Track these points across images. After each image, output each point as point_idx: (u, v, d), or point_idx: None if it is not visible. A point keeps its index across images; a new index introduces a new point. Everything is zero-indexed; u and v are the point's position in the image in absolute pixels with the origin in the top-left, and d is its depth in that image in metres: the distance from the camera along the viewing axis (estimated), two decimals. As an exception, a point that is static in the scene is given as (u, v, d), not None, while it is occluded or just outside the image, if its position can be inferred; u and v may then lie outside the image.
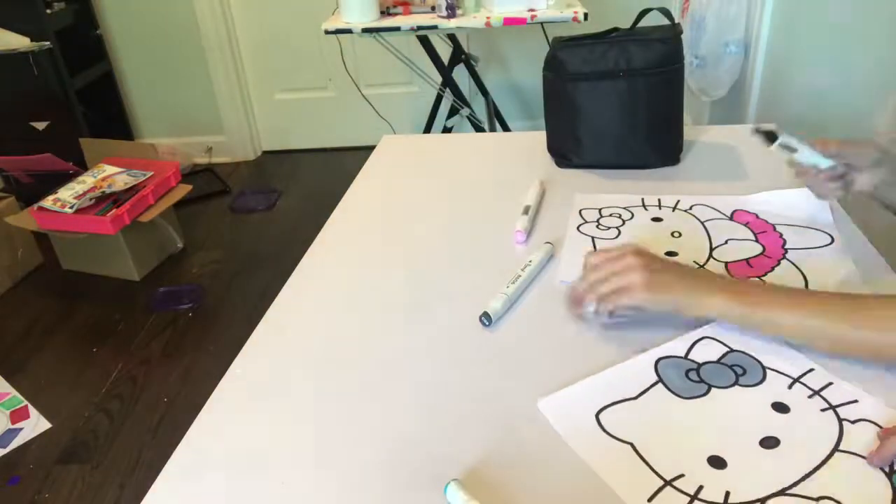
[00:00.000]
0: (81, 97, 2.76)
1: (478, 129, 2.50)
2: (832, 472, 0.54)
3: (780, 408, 0.61)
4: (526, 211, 0.96)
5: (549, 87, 1.10)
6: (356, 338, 0.76)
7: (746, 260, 0.81)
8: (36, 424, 1.75)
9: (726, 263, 0.82)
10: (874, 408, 0.60)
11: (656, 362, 0.67)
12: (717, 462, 0.56)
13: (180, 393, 1.83)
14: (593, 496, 0.55)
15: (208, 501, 0.58)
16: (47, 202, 2.20)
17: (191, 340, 2.03)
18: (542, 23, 2.12)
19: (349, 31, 2.10)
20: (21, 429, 1.74)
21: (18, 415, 1.78)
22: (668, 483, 0.54)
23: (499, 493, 0.56)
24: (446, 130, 2.71)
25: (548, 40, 1.23)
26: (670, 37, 1.03)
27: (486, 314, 0.76)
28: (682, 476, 0.55)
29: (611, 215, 0.96)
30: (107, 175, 2.31)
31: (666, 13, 1.08)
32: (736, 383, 0.64)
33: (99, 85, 2.95)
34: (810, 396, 0.62)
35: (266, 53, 3.08)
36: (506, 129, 2.81)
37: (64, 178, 2.32)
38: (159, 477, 0.60)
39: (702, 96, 2.31)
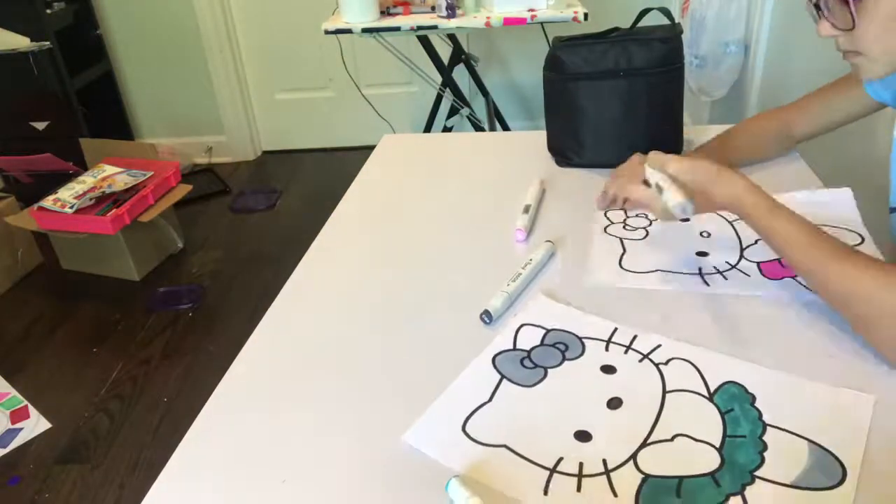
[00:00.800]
0: (81, 97, 2.75)
1: (478, 128, 2.50)
2: (672, 412, 0.61)
3: (609, 370, 0.67)
4: (526, 210, 0.96)
5: (550, 86, 1.10)
6: (356, 337, 0.76)
7: (778, 260, 0.81)
8: (36, 424, 1.75)
9: (758, 263, 0.82)
10: (675, 346, 0.69)
11: (493, 360, 0.70)
12: (582, 436, 0.60)
13: (180, 393, 1.83)
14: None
15: (209, 501, 0.58)
16: (47, 202, 2.19)
17: (191, 340, 2.03)
18: (542, 23, 2.12)
19: (349, 31, 2.10)
20: (21, 429, 1.74)
21: (18, 415, 1.78)
22: (553, 470, 0.57)
23: (499, 491, 0.56)
24: (446, 130, 2.71)
25: (548, 40, 1.23)
26: (670, 36, 1.03)
27: (486, 312, 0.76)
28: (561, 459, 0.58)
29: (637, 216, 0.96)
30: (107, 175, 2.31)
31: (666, 13, 1.08)
32: (564, 359, 0.69)
33: (99, 85, 2.95)
34: (626, 352, 0.69)
35: (266, 53, 3.08)
36: (506, 128, 2.81)
37: (64, 178, 2.32)
38: (160, 477, 0.60)
39: (702, 96, 2.31)
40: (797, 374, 0.65)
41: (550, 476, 0.57)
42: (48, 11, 2.63)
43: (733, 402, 0.62)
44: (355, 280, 0.87)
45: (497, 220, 0.97)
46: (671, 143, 1.10)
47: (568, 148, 1.11)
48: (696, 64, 2.20)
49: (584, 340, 0.71)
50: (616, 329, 0.72)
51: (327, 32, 2.11)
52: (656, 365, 0.67)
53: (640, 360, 0.68)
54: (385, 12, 2.16)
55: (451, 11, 2.06)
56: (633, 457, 0.57)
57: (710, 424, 0.60)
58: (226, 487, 0.59)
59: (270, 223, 2.70)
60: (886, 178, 0.86)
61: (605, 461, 0.57)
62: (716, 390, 0.63)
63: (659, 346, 0.69)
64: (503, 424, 0.62)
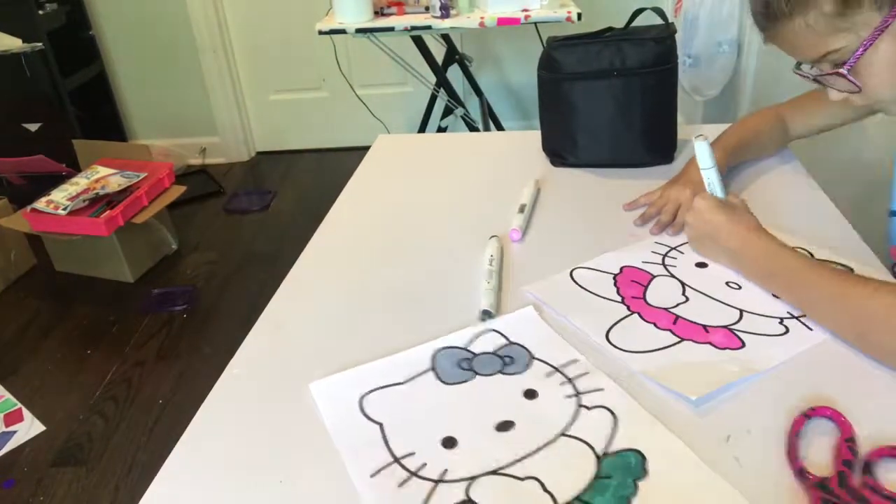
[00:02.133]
0: (74, 98, 2.74)
1: (472, 128, 2.50)
2: (549, 455, 0.58)
3: (530, 394, 0.65)
4: (521, 209, 0.96)
5: (544, 86, 1.10)
6: (352, 338, 0.76)
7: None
8: (30, 427, 1.74)
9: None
10: (615, 395, 0.64)
11: (435, 352, 0.71)
12: (449, 442, 0.60)
13: (175, 394, 1.82)
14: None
15: (205, 503, 0.58)
16: (40, 204, 2.18)
17: (185, 342, 2.02)
18: (535, 23, 2.12)
19: (343, 32, 2.10)
20: (15, 432, 1.73)
21: (12, 418, 1.78)
22: (396, 460, 0.59)
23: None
24: (441, 130, 2.71)
25: (542, 40, 1.23)
26: (664, 36, 1.04)
27: (486, 312, 0.76)
28: (411, 454, 0.59)
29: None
30: (100, 176, 2.30)
31: (659, 13, 1.08)
32: (500, 371, 0.68)
33: (92, 86, 2.94)
34: (562, 384, 0.66)
35: (260, 54, 3.08)
36: (500, 128, 2.81)
37: (57, 180, 2.31)
38: (155, 479, 0.60)
39: (695, 95, 2.32)
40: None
41: (389, 464, 0.58)
42: (40, 12, 2.62)
43: (618, 471, 0.56)
44: (350, 280, 0.87)
45: (491, 221, 0.97)
46: (665, 142, 1.11)
47: (562, 148, 1.11)
48: (690, 63, 2.21)
49: (534, 360, 0.69)
50: (575, 361, 0.68)
51: (321, 33, 2.10)
52: (580, 406, 0.63)
53: (568, 397, 0.64)
54: (379, 13, 2.16)
55: (445, 12, 2.06)
56: (473, 478, 0.56)
57: (574, 480, 0.55)
58: (222, 488, 0.59)
59: (264, 224, 2.70)
60: (876, 175, 0.87)
61: (445, 470, 0.57)
62: (614, 452, 0.58)
63: (600, 389, 0.65)
64: (394, 406, 0.64)
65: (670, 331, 0.71)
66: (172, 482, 0.60)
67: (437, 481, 0.57)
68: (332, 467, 0.60)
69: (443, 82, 2.48)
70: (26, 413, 1.79)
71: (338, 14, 2.12)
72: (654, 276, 0.81)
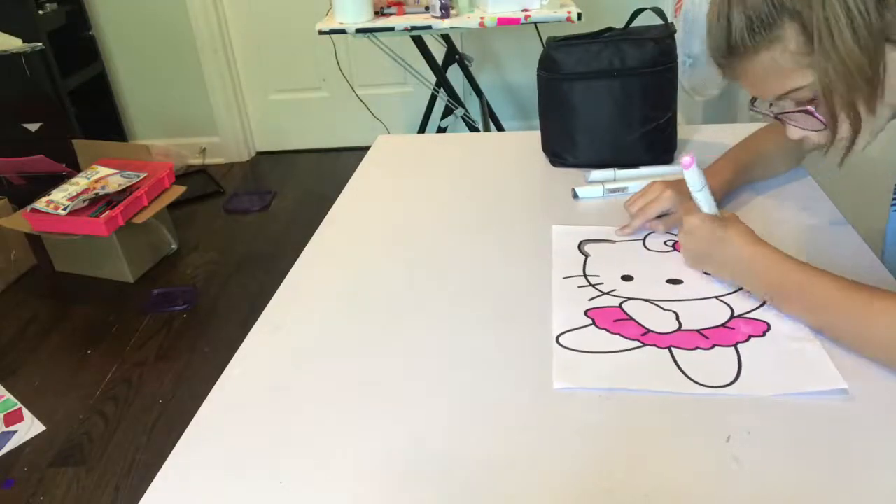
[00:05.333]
0: (74, 98, 2.74)
1: (472, 129, 2.50)
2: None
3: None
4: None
5: (544, 86, 1.10)
6: (352, 338, 0.76)
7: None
8: (30, 427, 1.74)
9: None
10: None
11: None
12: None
13: (175, 394, 1.82)
14: (596, 493, 0.55)
15: (205, 503, 0.58)
16: (40, 204, 2.18)
17: (185, 342, 2.02)
18: (535, 23, 2.12)
19: (343, 32, 2.10)
20: (15, 432, 1.73)
21: (12, 418, 1.78)
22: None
23: (501, 491, 0.56)
24: (441, 130, 2.71)
25: (542, 40, 1.24)
26: (664, 36, 1.04)
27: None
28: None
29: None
30: (100, 176, 2.30)
31: (659, 13, 1.08)
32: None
33: (92, 86, 2.94)
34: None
35: (260, 54, 3.08)
36: (500, 129, 2.81)
37: (57, 180, 2.31)
38: (155, 479, 0.60)
39: (695, 96, 2.32)
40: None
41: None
42: (40, 12, 2.62)
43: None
44: (351, 281, 0.87)
45: (492, 220, 0.97)
46: (665, 142, 1.11)
47: (562, 148, 1.11)
48: (689, 63, 2.21)
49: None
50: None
51: (321, 33, 2.10)
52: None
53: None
54: (379, 13, 2.16)
55: (445, 12, 2.06)
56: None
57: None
58: (222, 489, 0.59)
59: (265, 224, 2.70)
60: (876, 175, 0.87)
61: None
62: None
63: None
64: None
65: (717, 345, 0.70)
66: (172, 482, 0.60)
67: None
68: (333, 468, 0.60)
69: (443, 82, 2.48)
70: (26, 413, 1.79)
71: (338, 14, 2.12)
72: (620, 306, 0.77)
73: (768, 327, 0.71)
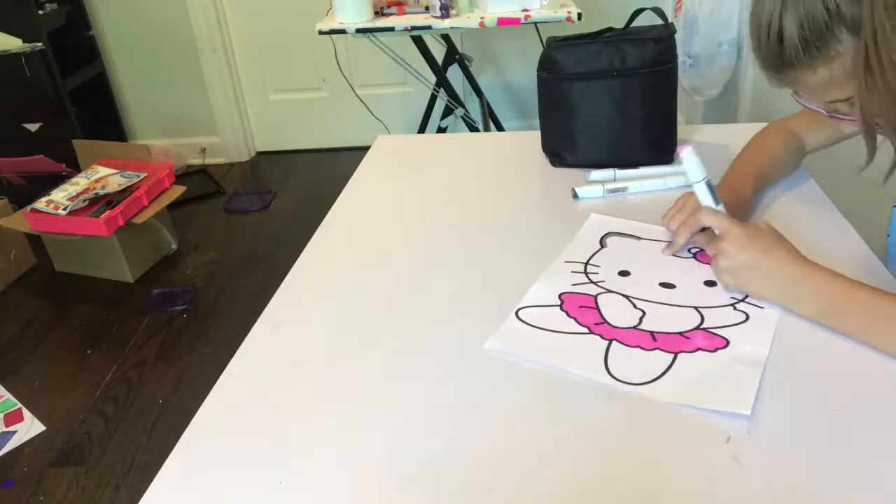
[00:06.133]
0: (74, 98, 2.74)
1: (472, 129, 2.50)
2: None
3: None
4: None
5: (544, 86, 1.10)
6: (352, 338, 0.76)
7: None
8: (30, 427, 1.74)
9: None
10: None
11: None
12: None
13: (175, 394, 1.82)
14: (596, 493, 0.55)
15: (205, 503, 0.58)
16: (40, 204, 2.19)
17: (185, 342, 2.02)
18: (535, 23, 2.12)
19: (343, 32, 2.10)
20: (15, 432, 1.73)
21: (12, 418, 1.78)
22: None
23: (501, 491, 0.56)
24: (441, 130, 2.71)
25: (541, 40, 1.23)
26: (664, 36, 1.04)
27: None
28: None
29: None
30: (100, 176, 2.30)
31: (659, 13, 1.08)
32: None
33: (92, 86, 2.94)
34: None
35: (259, 54, 3.08)
36: (500, 129, 2.81)
37: (57, 180, 2.31)
38: (155, 479, 0.60)
39: (695, 96, 2.32)
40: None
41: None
42: (40, 12, 2.62)
43: None
44: (350, 281, 0.87)
45: (492, 221, 0.97)
46: (665, 142, 1.11)
47: (562, 148, 1.11)
48: (690, 63, 2.21)
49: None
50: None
51: (321, 33, 2.10)
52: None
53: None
54: (379, 13, 2.16)
55: (445, 12, 2.06)
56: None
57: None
58: (222, 489, 0.59)
59: (265, 224, 2.70)
60: (873, 168, 0.86)
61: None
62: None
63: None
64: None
65: (659, 349, 0.69)
66: (172, 482, 0.60)
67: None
68: (333, 467, 0.60)
69: (443, 82, 2.48)
70: (26, 413, 1.79)
71: (338, 14, 2.12)
72: (596, 296, 0.78)
73: (726, 345, 0.69)
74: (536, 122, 1.15)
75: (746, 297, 0.75)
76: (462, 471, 0.58)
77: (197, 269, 2.40)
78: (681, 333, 0.71)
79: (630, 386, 0.65)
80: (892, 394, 0.62)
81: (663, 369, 0.67)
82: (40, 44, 2.54)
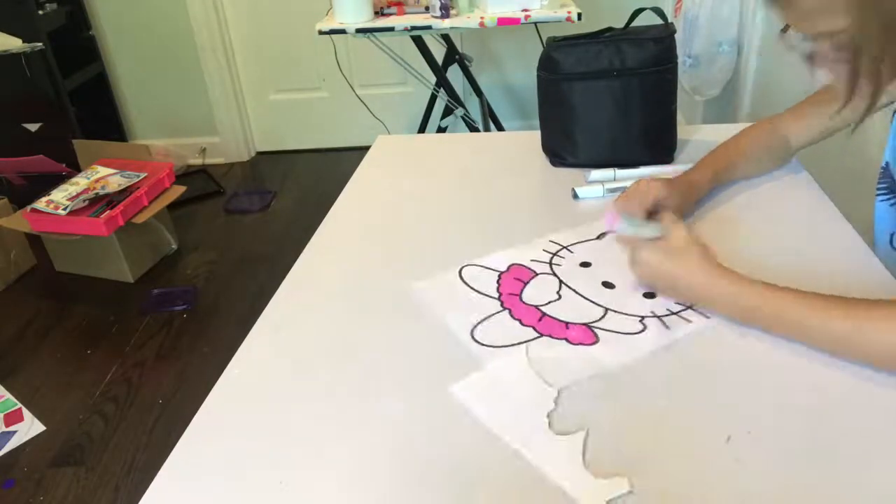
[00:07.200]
0: (74, 98, 2.74)
1: (472, 128, 2.50)
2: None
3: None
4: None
5: (544, 86, 1.10)
6: (352, 338, 0.76)
7: None
8: (30, 427, 1.74)
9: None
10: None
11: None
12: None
13: (175, 395, 1.82)
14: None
15: (205, 503, 0.58)
16: (40, 204, 2.18)
17: (185, 342, 2.02)
18: (535, 23, 2.12)
19: (343, 32, 2.10)
20: (15, 432, 1.73)
21: (12, 418, 1.78)
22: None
23: (501, 491, 0.56)
24: (441, 130, 2.71)
25: (541, 40, 1.24)
26: (664, 36, 1.04)
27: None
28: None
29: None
30: (100, 176, 2.30)
31: (659, 13, 1.08)
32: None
33: (92, 86, 2.94)
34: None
35: (260, 54, 3.08)
36: (500, 128, 2.81)
37: (57, 180, 2.31)
38: (155, 479, 0.60)
39: (695, 95, 2.32)
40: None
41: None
42: (40, 12, 2.62)
43: None
44: (350, 281, 0.87)
45: (492, 221, 0.97)
46: (665, 142, 1.11)
47: (562, 148, 1.11)
48: (690, 63, 2.21)
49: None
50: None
51: (321, 33, 2.10)
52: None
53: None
54: (379, 13, 2.16)
55: (445, 12, 2.06)
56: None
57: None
58: (222, 489, 0.59)
59: (265, 224, 2.70)
60: (868, 165, 0.86)
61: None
62: None
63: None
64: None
65: (533, 327, 0.75)
66: (172, 482, 0.60)
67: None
68: (333, 468, 0.60)
69: (443, 82, 2.48)
70: (26, 413, 1.79)
71: (338, 14, 2.12)
72: (536, 274, 0.84)
73: (595, 341, 0.72)
74: (536, 122, 1.15)
75: (664, 315, 0.75)
76: (463, 471, 0.58)
77: (197, 269, 2.40)
78: (566, 323, 0.75)
79: (478, 346, 0.72)
80: (892, 394, 0.62)
81: (518, 342, 0.73)
82: (40, 44, 2.54)
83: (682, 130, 1.15)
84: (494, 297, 0.80)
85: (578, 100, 1.06)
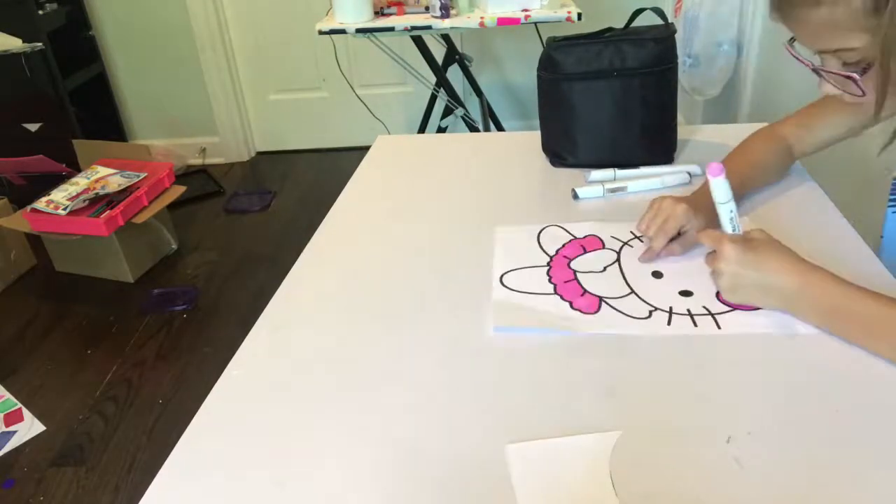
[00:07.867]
0: (74, 98, 2.74)
1: (472, 129, 2.50)
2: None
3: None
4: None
5: (544, 86, 1.10)
6: (352, 339, 0.76)
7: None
8: (30, 427, 1.74)
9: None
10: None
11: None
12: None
13: (175, 395, 1.82)
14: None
15: (205, 503, 0.58)
16: (40, 204, 2.18)
17: (186, 342, 2.02)
18: (535, 23, 2.12)
19: (343, 32, 2.10)
20: (15, 431, 1.73)
21: (12, 418, 1.78)
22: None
23: (500, 491, 0.56)
24: (441, 130, 2.71)
25: (541, 40, 1.24)
26: (664, 36, 1.04)
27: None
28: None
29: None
30: (100, 176, 2.30)
31: (659, 13, 1.08)
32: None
33: (92, 86, 2.94)
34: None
35: (260, 54, 3.08)
36: (500, 129, 2.81)
37: (57, 180, 2.31)
38: (155, 479, 0.60)
39: (695, 95, 2.32)
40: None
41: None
42: (40, 12, 2.62)
43: None
44: (350, 281, 0.87)
45: (492, 221, 0.97)
46: (665, 142, 1.11)
47: (562, 148, 1.11)
48: (690, 63, 2.21)
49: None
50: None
51: (321, 33, 2.10)
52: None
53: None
54: (379, 13, 2.16)
55: (445, 12, 2.06)
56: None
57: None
58: (222, 490, 0.59)
59: (265, 224, 2.70)
60: (873, 169, 0.86)
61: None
62: None
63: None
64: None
65: (555, 286, 0.81)
66: (172, 482, 0.60)
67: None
68: (333, 468, 0.60)
69: (443, 82, 2.48)
70: (26, 413, 1.79)
71: (338, 14, 2.12)
72: (604, 247, 0.88)
73: (597, 311, 0.77)
74: (536, 122, 1.15)
75: (680, 313, 0.75)
76: (462, 471, 0.58)
77: (197, 269, 2.40)
78: (584, 291, 0.80)
79: (503, 289, 0.80)
80: (892, 395, 0.62)
81: (535, 292, 0.80)
82: (40, 44, 2.54)
83: (682, 130, 1.15)
84: (550, 255, 0.86)
85: (578, 100, 1.06)
